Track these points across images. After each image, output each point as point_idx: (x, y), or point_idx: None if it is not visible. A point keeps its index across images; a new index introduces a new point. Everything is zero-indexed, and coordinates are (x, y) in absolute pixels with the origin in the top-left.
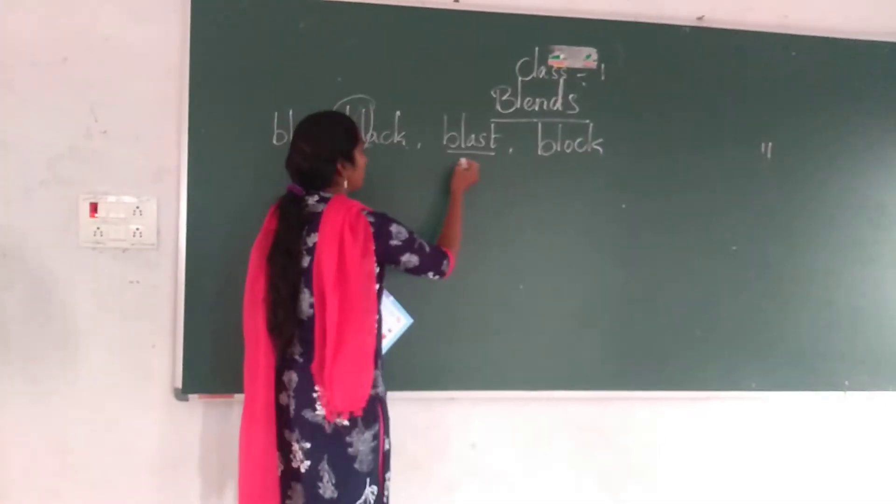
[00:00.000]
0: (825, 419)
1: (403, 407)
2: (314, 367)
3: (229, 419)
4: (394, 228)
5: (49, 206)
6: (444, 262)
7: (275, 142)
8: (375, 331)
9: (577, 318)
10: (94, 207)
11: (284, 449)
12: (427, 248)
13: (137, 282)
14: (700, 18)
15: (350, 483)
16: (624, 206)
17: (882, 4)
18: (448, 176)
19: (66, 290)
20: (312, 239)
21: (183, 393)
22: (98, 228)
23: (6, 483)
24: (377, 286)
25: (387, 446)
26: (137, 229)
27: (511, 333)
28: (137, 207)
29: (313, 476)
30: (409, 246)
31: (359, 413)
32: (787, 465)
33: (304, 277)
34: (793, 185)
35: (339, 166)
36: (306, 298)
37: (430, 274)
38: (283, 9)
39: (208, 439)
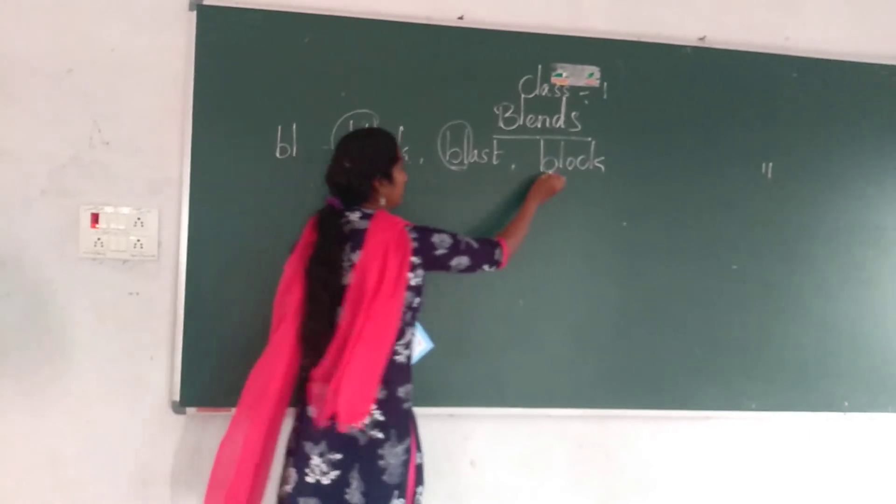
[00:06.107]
0: (825, 440)
1: None
2: (316, 372)
3: None
4: (436, 239)
5: (50, 216)
6: (497, 251)
7: (278, 155)
8: (391, 347)
9: (576, 336)
10: (95, 218)
11: (300, 463)
12: (476, 245)
13: (137, 293)
14: (702, 39)
15: (377, 494)
16: (625, 223)
17: (882, 27)
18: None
19: (65, 301)
20: (356, 256)
21: (180, 406)
22: (99, 239)
23: None
24: (418, 300)
25: (419, 460)
26: (138, 241)
27: (510, 350)
28: (139, 219)
29: (341, 483)
30: (455, 250)
31: (360, 427)
32: (786, 485)
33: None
34: (793, 206)
35: (376, 183)
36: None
37: (486, 267)
38: (289, 23)
39: (206, 453)
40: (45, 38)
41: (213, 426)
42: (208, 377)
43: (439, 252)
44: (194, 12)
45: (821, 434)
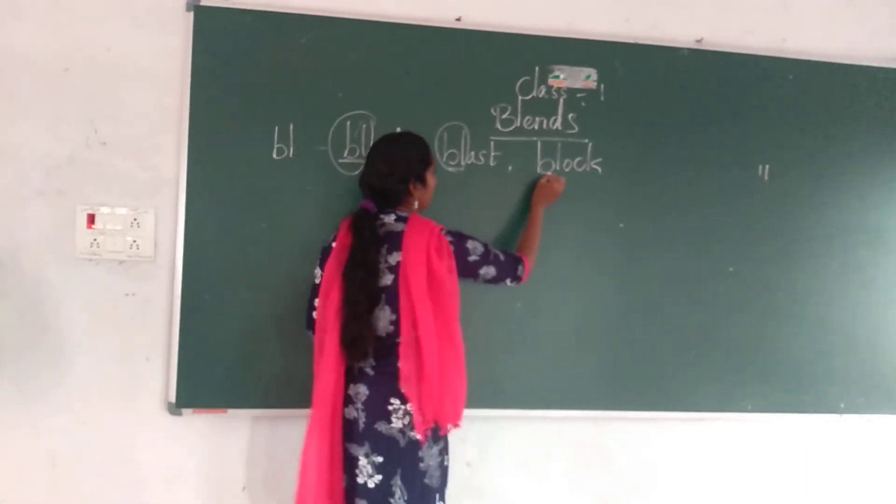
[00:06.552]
0: (821, 442)
1: None
2: (402, 382)
3: (223, 434)
4: (470, 245)
5: (46, 216)
6: (520, 267)
7: (275, 156)
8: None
9: (574, 338)
10: (91, 218)
11: (349, 464)
12: (502, 257)
13: (133, 294)
14: (699, 41)
15: (422, 500)
16: (622, 225)
17: (878, 30)
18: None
19: (62, 301)
20: (395, 258)
21: (176, 407)
22: (95, 240)
23: None
24: None
25: (446, 462)
26: (134, 241)
27: (508, 352)
28: (135, 219)
29: (385, 491)
30: (485, 259)
31: (458, 426)
32: (782, 487)
33: (385, 295)
34: (789, 208)
35: (410, 187)
36: (386, 315)
37: (508, 281)
38: (286, 23)
39: (202, 454)
40: (41, 37)
41: (210, 427)
42: (204, 378)
43: (472, 258)
44: (191, 13)
45: (817, 435)
